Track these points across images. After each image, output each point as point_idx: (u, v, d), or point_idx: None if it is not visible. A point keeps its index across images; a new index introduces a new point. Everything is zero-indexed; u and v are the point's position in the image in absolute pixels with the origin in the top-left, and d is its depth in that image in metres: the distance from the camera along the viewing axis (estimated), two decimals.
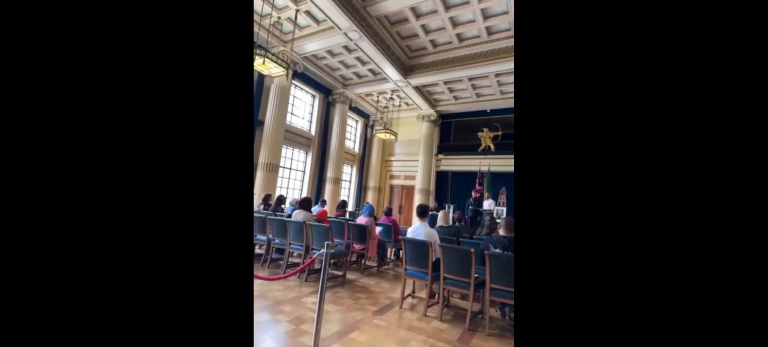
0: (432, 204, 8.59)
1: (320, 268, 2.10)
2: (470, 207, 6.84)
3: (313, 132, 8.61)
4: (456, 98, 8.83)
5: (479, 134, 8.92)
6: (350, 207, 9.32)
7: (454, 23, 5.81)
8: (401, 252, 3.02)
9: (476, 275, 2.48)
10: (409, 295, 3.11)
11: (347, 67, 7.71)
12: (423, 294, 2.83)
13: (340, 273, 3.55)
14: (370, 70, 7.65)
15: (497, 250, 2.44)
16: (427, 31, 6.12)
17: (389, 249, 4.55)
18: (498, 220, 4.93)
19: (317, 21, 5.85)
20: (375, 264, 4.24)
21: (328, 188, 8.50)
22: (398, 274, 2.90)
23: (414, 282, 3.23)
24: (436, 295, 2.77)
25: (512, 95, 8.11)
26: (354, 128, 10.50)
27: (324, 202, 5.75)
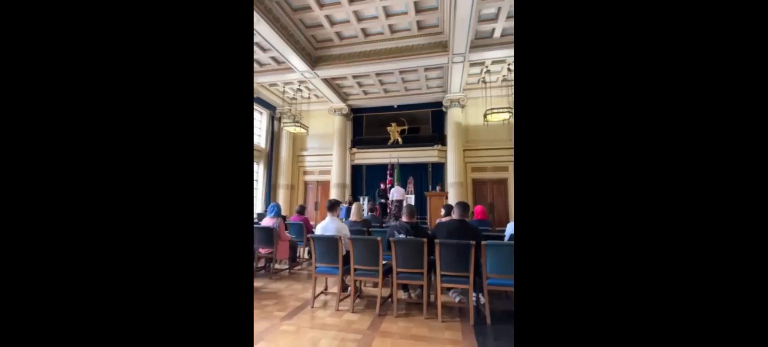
0: (348, 198, 8.64)
1: None
2: (378, 198, 7.31)
3: None
4: (365, 93, 9.03)
5: (388, 128, 9.38)
6: (259, 209, 8.51)
7: (359, 17, 5.87)
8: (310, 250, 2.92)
9: (384, 261, 2.61)
10: (322, 293, 3.05)
11: None
12: (336, 289, 2.81)
13: None
14: (273, 59, 7.06)
15: (401, 236, 2.61)
16: (332, 22, 6.00)
17: (301, 249, 4.36)
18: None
19: None
20: (287, 267, 4.00)
21: None
22: (312, 273, 2.79)
23: (326, 279, 3.18)
24: (349, 288, 2.80)
25: (416, 92, 8.81)
26: (259, 120, 9.53)
27: None
